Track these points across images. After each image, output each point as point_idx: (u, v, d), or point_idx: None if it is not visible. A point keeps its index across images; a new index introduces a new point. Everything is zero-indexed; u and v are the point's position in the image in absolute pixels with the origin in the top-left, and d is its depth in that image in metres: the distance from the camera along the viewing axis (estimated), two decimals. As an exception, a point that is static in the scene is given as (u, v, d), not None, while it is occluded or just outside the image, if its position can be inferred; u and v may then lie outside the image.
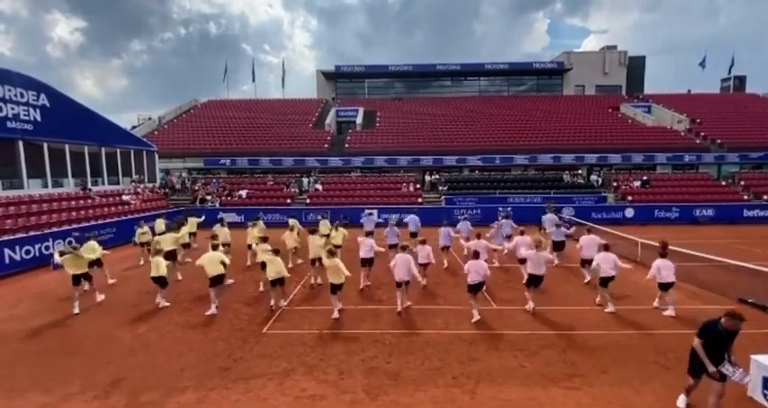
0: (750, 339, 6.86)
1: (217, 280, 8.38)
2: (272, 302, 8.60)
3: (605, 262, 8.25)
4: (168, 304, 8.92)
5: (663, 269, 7.90)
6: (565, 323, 7.68)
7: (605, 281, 8.29)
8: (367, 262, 9.92)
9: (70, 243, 10.74)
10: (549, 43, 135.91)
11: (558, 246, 12.43)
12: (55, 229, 13.83)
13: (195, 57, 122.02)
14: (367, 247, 9.82)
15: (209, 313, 8.27)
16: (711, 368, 4.53)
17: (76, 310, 8.52)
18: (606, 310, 8.26)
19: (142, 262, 12.75)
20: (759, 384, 5.08)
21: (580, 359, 6.22)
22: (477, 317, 7.74)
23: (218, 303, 8.46)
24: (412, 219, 13.88)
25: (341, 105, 37.78)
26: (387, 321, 7.90)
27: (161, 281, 8.70)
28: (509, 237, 12.64)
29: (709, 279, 10.00)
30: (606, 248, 8.68)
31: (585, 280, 10.23)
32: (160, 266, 8.61)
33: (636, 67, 44.63)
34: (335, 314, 8.03)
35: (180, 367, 6.11)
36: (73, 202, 16.42)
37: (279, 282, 8.37)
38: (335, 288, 8.01)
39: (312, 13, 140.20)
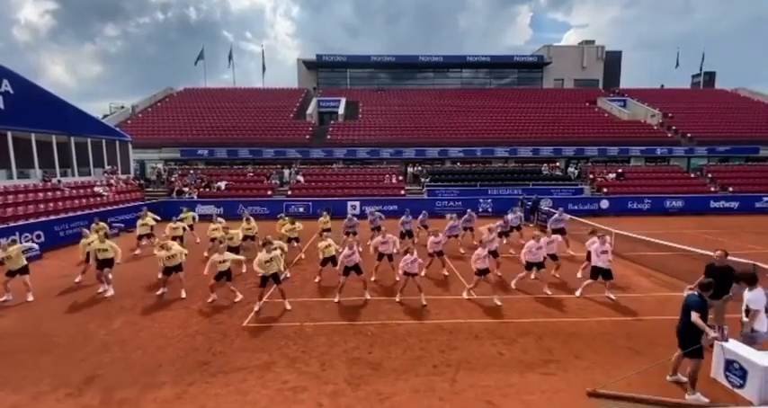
0: (714, 323, 7.22)
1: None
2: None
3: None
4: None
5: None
6: (541, 312, 7.91)
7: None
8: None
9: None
10: (532, 36, 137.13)
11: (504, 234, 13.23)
12: (21, 222, 13.23)
13: (173, 43, 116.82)
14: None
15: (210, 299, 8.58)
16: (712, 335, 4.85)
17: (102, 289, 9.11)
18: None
19: (138, 252, 12.73)
20: (721, 366, 5.36)
21: (556, 346, 6.42)
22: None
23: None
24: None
25: (322, 95, 37.24)
26: (368, 312, 7.94)
27: (178, 268, 8.91)
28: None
29: (678, 268, 10.44)
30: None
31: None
32: (178, 254, 8.87)
33: (612, 62, 45.62)
34: (337, 298, 8.51)
35: (157, 362, 5.99)
36: (41, 194, 15.72)
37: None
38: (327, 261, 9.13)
39: (295, 0, 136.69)
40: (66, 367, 5.89)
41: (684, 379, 5.19)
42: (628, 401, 4.82)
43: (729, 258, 6.51)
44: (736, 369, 5.16)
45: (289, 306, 8.06)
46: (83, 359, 6.10)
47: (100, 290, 9.15)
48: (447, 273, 10.42)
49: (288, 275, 10.24)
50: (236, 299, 8.54)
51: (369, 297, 8.60)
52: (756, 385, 4.88)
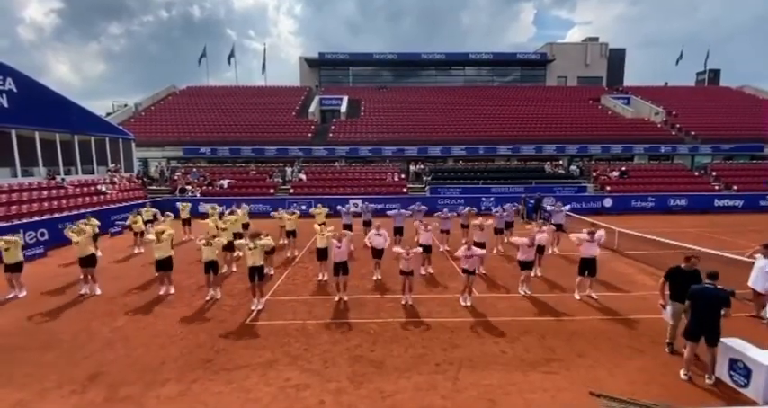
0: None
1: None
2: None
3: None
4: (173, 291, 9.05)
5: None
6: (543, 310, 7.89)
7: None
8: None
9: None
10: (536, 34, 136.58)
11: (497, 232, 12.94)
12: (26, 220, 13.31)
13: (177, 42, 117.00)
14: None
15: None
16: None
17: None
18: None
19: (137, 250, 12.90)
20: (726, 365, 5.33)
21: (558, 344, 6.41)
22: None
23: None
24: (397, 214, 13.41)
25: (325, 93, 37.19)
26: (370, 310, 7.94)
27: (165, 266, 8.87)
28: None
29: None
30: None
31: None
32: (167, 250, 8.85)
33: (616, 60, 45.32)
34: (337, 297, 8.46)
35: (161, 359, 6.02)
36: (44, 192, 15.81)
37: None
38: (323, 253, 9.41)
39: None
40: (71, 364, 5.93)
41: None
42: (632, 404, 4.79)
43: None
44: (740, 368, 5.13)
45: (261, 306, 7.96)
46: (87, 357, 6.14)
47: (82, 291, 8.91)
48: (448, 261, 10.37)
49: (271, 272, 10.22)
50: (217, 297, 8.61)
51: (346, 299, 8.42)
52: (761, 385, 4.85)
